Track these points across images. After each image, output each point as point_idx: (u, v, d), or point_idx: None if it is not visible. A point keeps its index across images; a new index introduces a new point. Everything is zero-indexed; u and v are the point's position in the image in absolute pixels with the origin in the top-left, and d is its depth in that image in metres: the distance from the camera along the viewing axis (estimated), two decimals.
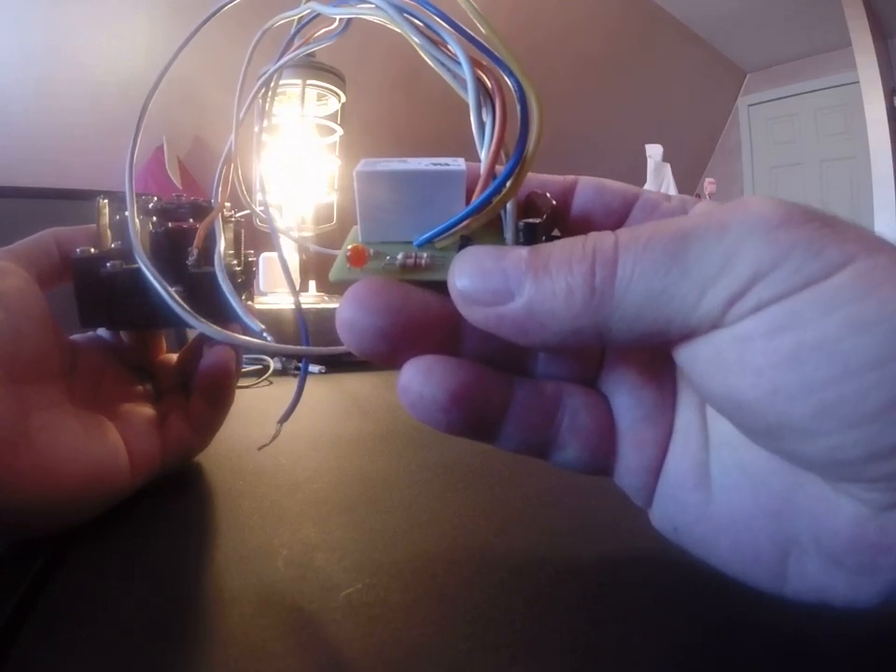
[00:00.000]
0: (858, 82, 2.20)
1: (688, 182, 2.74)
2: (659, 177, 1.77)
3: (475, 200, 0.13)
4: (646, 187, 1.74)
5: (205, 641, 0.13)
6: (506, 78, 0.13)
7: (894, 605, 0.11)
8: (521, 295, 0.12)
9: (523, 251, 0.12)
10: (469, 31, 0.13)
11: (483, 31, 0.13)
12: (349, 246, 0.14)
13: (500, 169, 0.13)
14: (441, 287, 0.13)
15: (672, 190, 1.74)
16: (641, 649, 0.13)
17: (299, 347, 0.17)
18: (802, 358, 0.10)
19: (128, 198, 0.19)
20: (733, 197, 0.12)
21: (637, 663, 0.12)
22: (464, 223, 0.13)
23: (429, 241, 0.14)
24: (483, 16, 0.13)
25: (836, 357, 0.10)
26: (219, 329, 0.16)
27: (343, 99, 0.61)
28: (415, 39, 0.13)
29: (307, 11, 0.17)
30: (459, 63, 0.13)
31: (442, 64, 0.13)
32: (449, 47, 0.13)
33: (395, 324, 0.13)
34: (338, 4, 0.15)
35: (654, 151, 1.76)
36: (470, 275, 0.12)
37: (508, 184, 0.13)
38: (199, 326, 0.16)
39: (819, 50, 2.72)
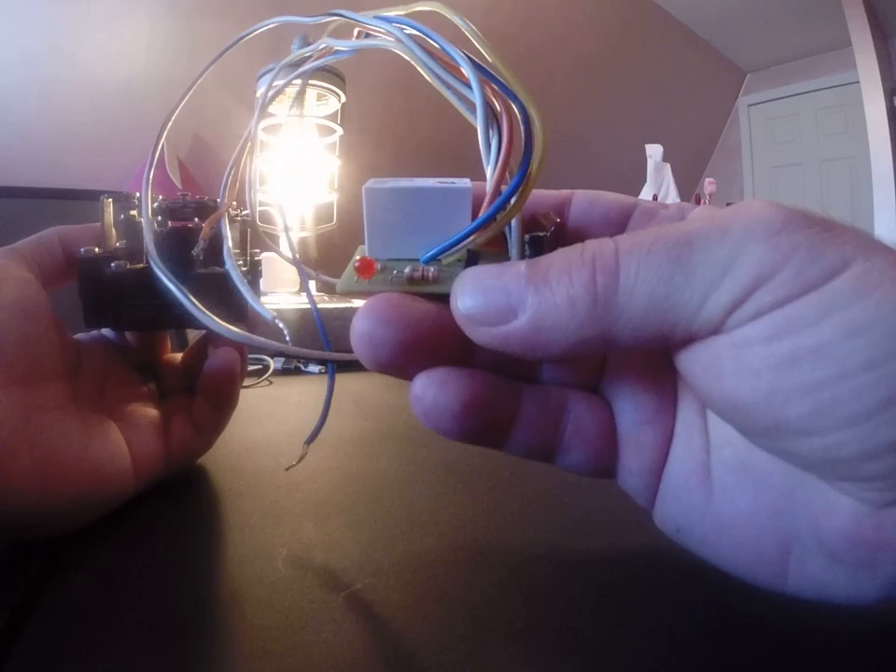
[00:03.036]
0: (858, 82, 2.20)
1: (688, 182, 2.74)
2: (659, 177, 1.76)
3: (480, 215, 0.13)
4: (646, 187, 1.73)
5: (205, 641, 0.13)
6: (511, 103, 0.13)
7: (894, 600, 0.11)
8: (524, 311, 0.12)
9: (521, 265, 0.12)
10: (474, 58, 0.13)
11: (490, 59, 0.13)
12: (357, 257, 0.14)
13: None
14: (449, 301, 0.13)
15: (672, 190, 1.74)
16: (641, 649, 0.13)
17: (321, 352, 0.17)
18: (799, 362, 0.10)
19: (144, 202, 0.19)
20: (733, 197, 0.12)
21: (636, 663, 0.12)
22: (469, 238, 0.13)
23: (436, 257, 0.14)
24: (488, 45, 0.13)
25: (832, 360, 0.10)
26: (237, 329, 0.16)
27: (343, 99, 0.61)
28: (424, 61, 0.14)
29: (323, 46, 0.18)
30: (468, 87, 0.13)
31: (448, 87, 0.14)
32: (462, 70, 0.13)
33: (413, 336, 0.13)
34: (355, 15, 0.16)
35: (654, 151, 1.76)
36: (472, 296, 0.12)
37: (512, 200, 0.13)
38: (215, 327, 0.16)
39: (819, 50, 2.71)
